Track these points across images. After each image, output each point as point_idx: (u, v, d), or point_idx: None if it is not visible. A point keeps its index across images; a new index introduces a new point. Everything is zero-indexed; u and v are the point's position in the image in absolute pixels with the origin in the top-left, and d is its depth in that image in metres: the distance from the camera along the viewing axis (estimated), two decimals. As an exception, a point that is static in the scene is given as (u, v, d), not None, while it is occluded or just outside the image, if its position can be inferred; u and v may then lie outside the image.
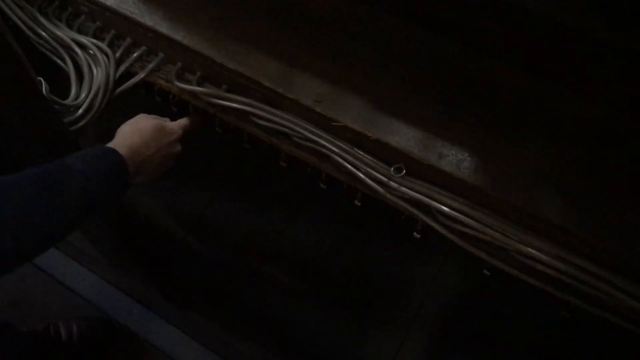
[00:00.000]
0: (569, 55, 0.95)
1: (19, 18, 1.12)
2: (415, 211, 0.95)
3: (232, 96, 1.03)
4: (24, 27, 1.12)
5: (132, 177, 0.89)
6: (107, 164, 0.83)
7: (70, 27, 1.13)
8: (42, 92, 0.90)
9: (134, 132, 0.92)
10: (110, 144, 0.89)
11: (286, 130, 1.02)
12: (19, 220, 0.69)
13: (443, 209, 0.92)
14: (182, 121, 1.07)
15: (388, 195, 0.95)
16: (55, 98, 1.01)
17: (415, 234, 1.01)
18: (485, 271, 0.99)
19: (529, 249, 0.90)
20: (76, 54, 1.08)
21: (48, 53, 1.12)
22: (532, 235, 0.90)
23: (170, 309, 1.59)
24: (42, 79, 0.97)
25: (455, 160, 0.92)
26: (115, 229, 1.26)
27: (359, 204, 1.04)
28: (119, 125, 0.97)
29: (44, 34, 1.11)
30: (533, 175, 0.91)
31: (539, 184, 0.90)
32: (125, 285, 1.61)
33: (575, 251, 0.89)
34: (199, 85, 1.06)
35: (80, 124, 1.03)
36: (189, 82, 1.06)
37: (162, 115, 1.05)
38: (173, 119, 1.06)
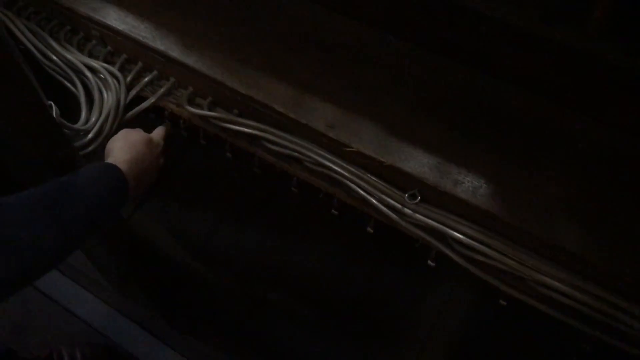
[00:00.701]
0: (585, 81, 0.94)
1: (30, 42, 1.12)
2: (430, 239, 0.93)
3: (243, 121, 1.02)
4: (35, 51, 1.12)
5: (131, 191, 0.88)
6: (110, 180, 0.83)
7: (81, 51, 1.12)
8: (53, 116, 0.89)
9: (129, 147, 0.92)
10: (109, 160, 0.88)
11: (298, 155, 1.00)
12: (24, 240, 0.68)
13: (459, 237, 0.90)
14: (160, 132, 1.06)
15: (402, 223, 0.93)
16: (65, 122, 1.00)
17: (429, 262, 0.99)
18: (501, 301, 0.97)
19: (547, 279, 0.88)
20: (87, 77, 1.08)
21: (58, 77, 1.12)
22: (550, 264, 0.88)
23: (175, 336, 1.56)
24: (52, 102, 0.96)
25: (471, 187, 0.90)
26: (122, 254, 1.24)
27: (371, 231, 1.02)
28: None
29: (54, 57, 1.11)
30: (551, 203, 0.89)
31: (557, 211, 0.88)
32: (131, 311, 1.58)
33: (594, 281, 0.86)
34: (210, 109, 1.05)
35: (90, 148, 1.02)
36: (200, 106, 1.06)
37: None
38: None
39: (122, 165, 0.86)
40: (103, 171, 0.84)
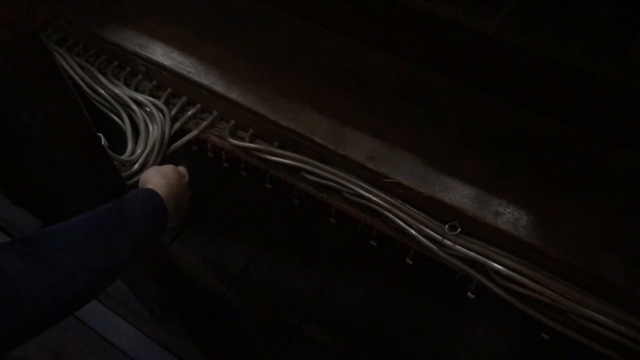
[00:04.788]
0: (625, 114, 0.94)
1: (80, 76, 1.17)
2: (470, 270, 0.93)
3: (284, 152, 1.05)
4: (84, 86, 1.17)
5: (170, 217, 0.90)
6: (151, 205, 0.86)
7: (128, 85, 1.17)
8: (104, 148, 0.92)
9: (162, 174, 0.95)
10: (149, 187, 0.91)
11: (337, 186, 1.02)
12: (75, 264, 0.71)
13: (500, 269, 0.90)
14: (184, 167, 1.06)
15: (442, 254, 0.94)
16: (112, 153, 1.03)
17: (469, 294, 0.99)
18: (543, 334, 0.95)
19: (591, 312, 0.87)
20: (133, 111, 1.12)
21: (105, 110, 1.16)
22: (593, 297, 0.87)
23: (211, 367, 1.56)
24: (101, 135, 0.99)
25: (512, 218, 0.90)
26: (161, 283, 1.26)
27: (410, 262, 1.03)
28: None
29: (102, 91, 1.15)
30: (593, 235, 0.88)
31: (599, 243, 0.88)
32: (168, 342, 1.59)
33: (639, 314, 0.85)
34: (251, 142, 1.08)
35: (136, 178, 1.04)
36: (241, 139, 1.08)
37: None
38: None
39: (160, 190, 0.90)
40: (145, 197, 0.87)
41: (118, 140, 1.14)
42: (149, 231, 0.84)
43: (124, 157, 1.06)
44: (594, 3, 0.84)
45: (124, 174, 1.04)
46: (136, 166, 1.06)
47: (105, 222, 0.78)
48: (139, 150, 1.07)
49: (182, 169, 1.06)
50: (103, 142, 1.00)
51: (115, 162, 1.02)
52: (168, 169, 0.98)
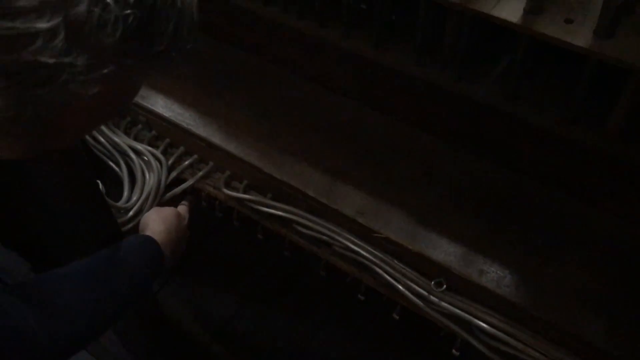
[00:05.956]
0: (606, 178, 0.98)
1: (81, 124, 1.20)
2: (455, 327, 0.95)
3: (277, 204, 1.08)
4: (84, 133, 1.20)
5: (167, 260, 0.92)
6: (149, 252, 0.89)
7: (127, 134, 1.20)
8: (103, 195, 0.95)
9: (162, 220, 0.97)
10: (146, 233, 0.94)
11: (328, 239, 1.04)
12: (75, 309, 0.73)
13: (484, 327, 0.92)
14: (185, 206, 1.11)
15: (428, 310, 0.95)
16: (109, 200, 1.05)
17: (454, 351, 1.00)
18: (526, 394, 0.96)
19: (572, 372, 0.88)
20: (131, 159, 1.15)
21: (104, 157, 1.19)
22: (574, 357, 0.89)
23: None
24: (99, 181, 1.02)
25: (496, 277, 0.93)
26: (149, 330, 1.26)
27: (397, 317, 1.04)
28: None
29: (102, 139, 1.18)
30: (575, 295, 0.91)
31: (581, 304, 0.90)
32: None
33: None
34: (245, 192, 1.10)
35: (130, 225, 1.07)
36: (236, 189, 1.11)
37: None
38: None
39: (158, 237, 0.92)
40: (142, 243, 0.90)
41: (113, 187, 1.16)
42: (145, 278, 0.87)
43: (119, 204, 1.09)
44: (576, 74, 0.90)
45: (119, 220, 1.06)
46: (131, 213, 1.08)
47: (104, 269, 0.81)
48: (134, 198, 1.10)
49: (182, 209, 1.08)
50: (101, 188, 1.03)
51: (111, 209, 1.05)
52: (169, 213, 1.00)
